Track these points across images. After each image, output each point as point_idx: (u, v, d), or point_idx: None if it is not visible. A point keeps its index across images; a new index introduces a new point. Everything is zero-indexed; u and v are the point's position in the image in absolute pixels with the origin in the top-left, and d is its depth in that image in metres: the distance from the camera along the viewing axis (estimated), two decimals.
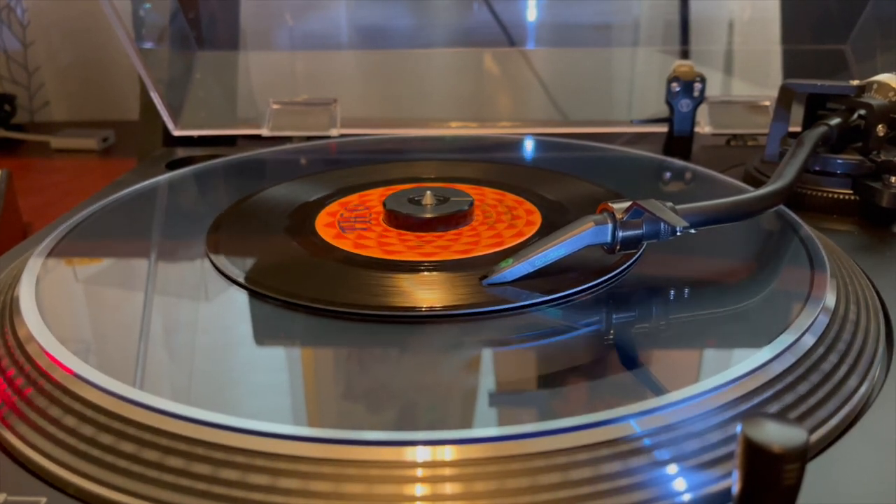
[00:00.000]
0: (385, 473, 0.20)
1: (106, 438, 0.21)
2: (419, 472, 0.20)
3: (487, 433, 0.21)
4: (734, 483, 0.17)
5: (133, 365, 0.26)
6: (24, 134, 0.82)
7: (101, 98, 0.91)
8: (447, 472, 0.20)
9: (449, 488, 0.19)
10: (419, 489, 0.19)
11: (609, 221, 0.29)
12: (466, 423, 0.23)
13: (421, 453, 0.20)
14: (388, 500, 0.19)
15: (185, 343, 0.28)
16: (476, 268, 0.31)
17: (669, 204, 0.29)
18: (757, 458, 0.16)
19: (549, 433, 0.20)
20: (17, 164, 0.73)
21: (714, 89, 0.64)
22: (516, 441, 0.20)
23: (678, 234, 0.29)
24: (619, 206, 0.29)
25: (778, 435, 0.16)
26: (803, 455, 0.16)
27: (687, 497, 0.20)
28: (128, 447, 0.21)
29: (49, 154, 0.78)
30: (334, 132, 0.58)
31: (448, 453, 0.20)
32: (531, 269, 0.29)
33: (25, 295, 0.29)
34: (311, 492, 0.19)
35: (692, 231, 0.29)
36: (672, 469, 0.20)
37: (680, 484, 0.20)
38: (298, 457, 0.20)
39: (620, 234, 0.29)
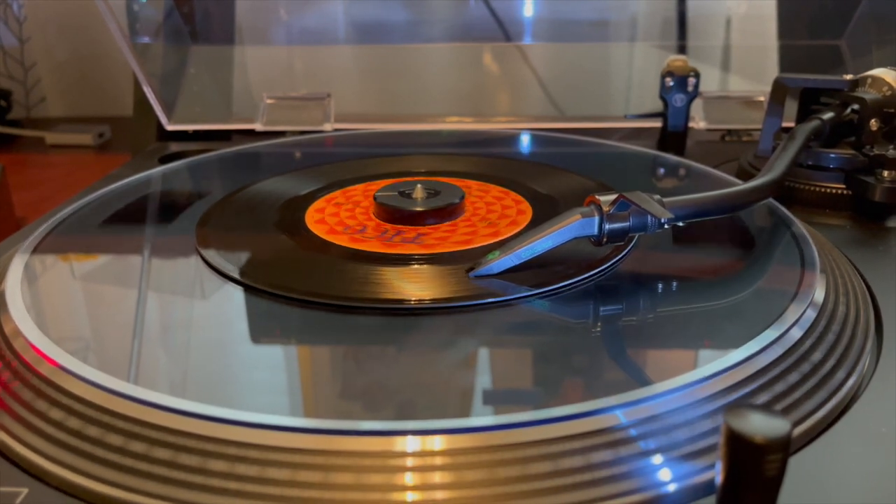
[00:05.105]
0: (376, 463, 0.20)
1: (91, 431, 0.21)
2: (409, 462, 0.20)
3: (474, 423, 0.21)
4: (717, 474, 0.17)
5: (119, 358, 0.26)
6: (19, 129, 0.82)
7: (97, 94, 0.91)
8: (437, 461, 0.20)
9: (438, 477, 0.19)
10: (409, 478, 0.19)
11: (596, 214, 0.29)
12: (453, 413, 0.23)
13: (411, 443, 0.20)
14: (380, 490, 0.19)
15: (172, 336, 0.28)
16: (465, 261, 0.31)
17: (657, 196, 0.29)
18: (739, 449, 0.16)
19: (536, 423, 0.20)
20: (12, 160, 0.73)
21: (711, 85, 0.64)
22: (503, 431, 0.20)
23: (665, 226, 0.28)
24: (606, 199, 0.29)
25: (761, 426, 0.16)
26: (786, 446, 0.16)
27: (672, 487, 0.20)
28: (114, 439, 0.21)
29: (44, 149, 0.78)
30: (328, 127, 0.58)
31: (437, 443, 0.20)
32: (518, 262, 0.29)
33: (12, 289, 0.29)
34: (304, 482, 0.19)
35: (680, 224, 0.29)
36: (657, 459, 0.20)
37: (665, 474, 0.20)
38: (289, 448, 0.20)
39: (607, 226, 0.29)
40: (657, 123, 0.55)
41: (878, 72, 0.42)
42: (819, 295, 0.28)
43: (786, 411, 0.23)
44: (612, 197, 0.29)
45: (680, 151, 0.53)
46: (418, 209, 0.35)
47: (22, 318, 0.26)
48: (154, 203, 0.42)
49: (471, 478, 0.19)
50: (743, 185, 0.32)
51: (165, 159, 0.52)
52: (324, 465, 0.20)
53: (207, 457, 0.20)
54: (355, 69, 0.72)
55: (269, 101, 0.59)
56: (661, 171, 0.47)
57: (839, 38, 0.64)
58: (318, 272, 0.31)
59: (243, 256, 0.32)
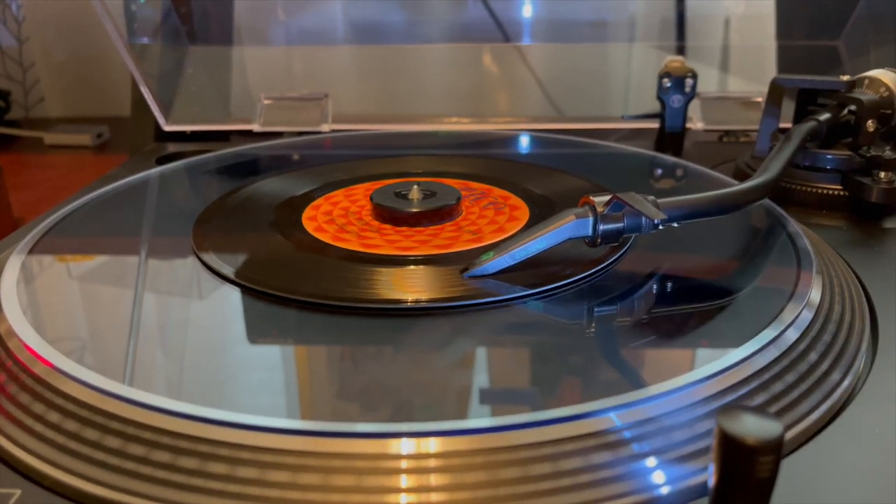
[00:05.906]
0: (373, 465, 0.20)
1: (88, 433, 0.21)
2: (405, 464, 0.20)
3: (470, 425, 0.21)
4: (710, 476, 0.17)
5: (115, 359, 0.26)
6: (18, 130, 0.82)
7: (96, 94, 0.91)
8: (432, 463, 0.20)
9: (434, 479, 0.19)
10: (405, 480, 0.19)
11: (590, 214, 0.29)
12: (449, 415, 0.23)
13: (407, 445, 0.20)
14: (377, 492, 0.19)
15: (169, 337, 0.28)
16: (460, 262, 0.31)
17: (651, 197, 0.29)
18: (732, 451, 0.16)
19: (532, 425, 0.20)
20: (10, 160, 0.73)
21: (710, 85, 0.64)
22: (499, 433, 0.20)
23: (659, 227, 0.28)
24: (600, 200, 0.29)
25: (753, 427, 0.16)
26: (778, 448, 0.16)
27: (665, 490, 0.20)
28: (111, 441, 0.21)
29: (43, 150, 0.78)
30: (325, 127, 0.58)
31: (433, 445, 0.20)
32: (512, 262, 0.29)
33: (7, 289, 0.29)
34: (300, 485, 0.19)
35: (674, 225, 0.29)
36: (651, 462, 0.20)
37: (659, 476, 0.20)
38: (286, 450, 0.20)
39: (601, 227, 0.29)
40: (655, 124, 0.55)
41: (875, 73, 0.42)
42: (815, 296, 0.28)
43: (781, 412, 0.23)
44: (606, 198, 0.29)
45: (677, 152, 0.53)
46: (414, 210, 0.35)
47: (17, 319, 0.26)
48: (151, 204, 0.42)
49: (466, 480, 0.19)
50: (737, 186, 0.32)
51: (163, 160, 0.52)
52: (321, 468, 0.20)
53: (204, 459, 0.20)
54: (354, 69, 0.72)
55: (266, 102, 0.59)
56: (659, 171, 0.47)
57: (837, 39, 0.64)
58: (313, 273, 0.31)
59: (240, 257, 0.32)
